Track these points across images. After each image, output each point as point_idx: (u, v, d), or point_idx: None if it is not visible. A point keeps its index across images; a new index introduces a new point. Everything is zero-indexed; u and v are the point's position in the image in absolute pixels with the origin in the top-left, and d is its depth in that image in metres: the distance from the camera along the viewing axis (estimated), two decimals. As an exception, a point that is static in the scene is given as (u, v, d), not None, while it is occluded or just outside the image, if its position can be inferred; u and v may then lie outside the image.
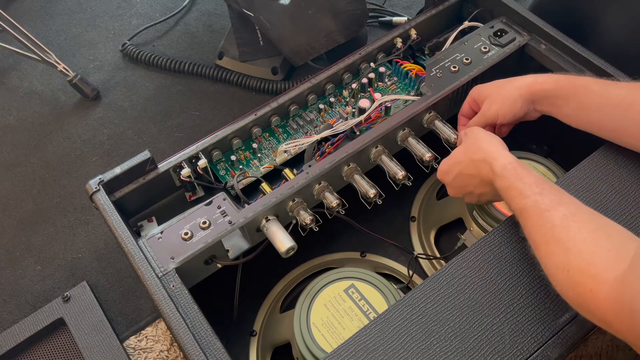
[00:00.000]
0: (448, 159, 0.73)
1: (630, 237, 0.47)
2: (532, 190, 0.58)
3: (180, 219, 0.74)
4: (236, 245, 0.78)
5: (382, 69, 0.92)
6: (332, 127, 0.85)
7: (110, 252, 1.02)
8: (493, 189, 0.65)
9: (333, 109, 0.92)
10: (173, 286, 0.69)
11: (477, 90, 0.78)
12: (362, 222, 0.89)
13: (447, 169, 0.72)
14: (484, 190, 0.68)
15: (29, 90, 1.31)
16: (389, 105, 0.87)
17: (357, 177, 0.80)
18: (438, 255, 0.92)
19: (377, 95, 0.89)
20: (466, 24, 0.95)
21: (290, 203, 0.76)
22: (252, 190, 0.83)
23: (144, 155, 0.79)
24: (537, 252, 0.56)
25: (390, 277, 0.90)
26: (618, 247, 0.45)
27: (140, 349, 0.88)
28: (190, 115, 1.22)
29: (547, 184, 0.59)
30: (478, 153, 0.67)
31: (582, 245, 0.48)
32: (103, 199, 0.76)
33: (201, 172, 0.83)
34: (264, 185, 0.80)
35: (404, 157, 0.84)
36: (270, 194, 0.76)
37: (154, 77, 1.30)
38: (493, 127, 0.78)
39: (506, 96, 0.74)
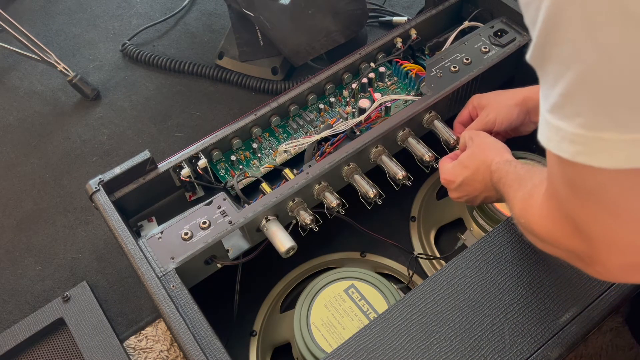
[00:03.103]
0: (455, 165, 0.73)
1: None
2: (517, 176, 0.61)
3: (180, 219, 0.74)
4: (236, 245, 0.78)
5: (382, 69, 0.92)
6: (332, 127, 0.85)
7: (110, 252, 1.02)
8: (497, 191, 0.65)
9: (333, 109, 0.92)
10: (173, 286, 0.69)
11: (477, 99, 0.81)
12: (362, 222, 0.89)
13: (453, 175, 0.72)
14: (489, 194, 0.69)
15: (29, 90, 1.31)
16: (389, 105, 0.87)
17: (357, 177, 0.80)
18: (438, 255, 0.92)
19: (377, 95, 0.89)
20: (466, 24, 0.95)
21: (290, 203, 0.76)
22: (252, 190, 0.83)
23: (144, 155, 0.79)
24: (508, 204, 0.60)
25: (390, 277, 0.90)
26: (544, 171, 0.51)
27: (140, 349, 0.88)
28: (190, 115, 1.22)
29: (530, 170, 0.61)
30: (485, 160, 0.68)
31: (529, 180, 0.56)
32: (103, 199, 0.76)
33: (201, 172, 0.83)
34: (264, 185, 0.80)
35: (404, 157, 0.84)
36: (270, 194, 0.76)
37: (154, 77, 1.30)
38: (489, 134, 0.78)
39: (504, 104, 0.77)
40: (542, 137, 0.40)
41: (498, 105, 0.77)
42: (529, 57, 0.41)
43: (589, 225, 0.43)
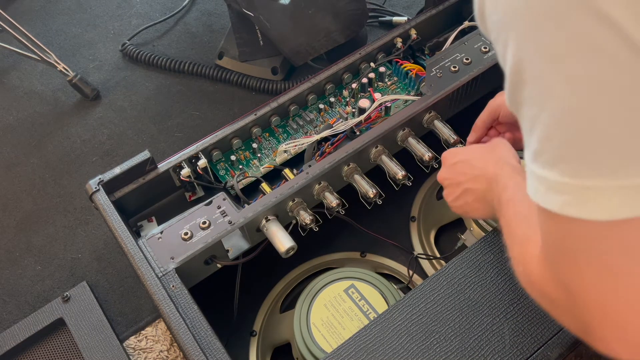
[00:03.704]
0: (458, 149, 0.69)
1: None
2: (513, 186, 0.58)
3: (180, 219, 0.74)
4: (236, 245, 0.78)
5: (382, 69, 0.92)
6: (332, 127, 0.85)
7: (110, 252, 1.02)
8: (492, 205, 0.62)
9: (333, 109, 0.92)
10: (173, 286, 0.69)
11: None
12: (362, 222, 0.89)
13: (452, 154, 0.69)
14: (479, 194, 0.64)
15: (29, 90, 1.31)
16: (389, 105, 0.87)
17: (357, 177, 0.80)
18: (438, 255, 0.92)
19: (377, 95, 0.89)
20: (466, 23, 0.95)
21: (290, 203, 0.76)
22: (252, 190, 0.83)
23: (144, 155, 0.79)
24: (505, 238, 0.55)
25: (390, 277, 0.90)
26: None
27: (140, 349, 0.88)
28: (190, 115, 1.22)
29: (513, 179, 0.58)
30: (491, 158, 0.64)
31: (519, 230, 0.51)
32: (103, 199, 0.76)
33: (201, 172, 0.83)
34: (264, 185, 0.80)
35: (404, 157, 0.84)
36: (270, 194, 0.76)
37: (154, 77, 1.30)
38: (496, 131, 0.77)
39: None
40: (530, 190, 0.36)
41: (502, 94, 0.73)
42: (506, 102, 0.38)
43: (583, 292, 0.37)
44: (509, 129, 0.75)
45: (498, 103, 0.73)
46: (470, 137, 0.77)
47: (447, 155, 0.69)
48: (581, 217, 0.33)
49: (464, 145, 0.80)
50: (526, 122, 0.35)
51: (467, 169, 0.65)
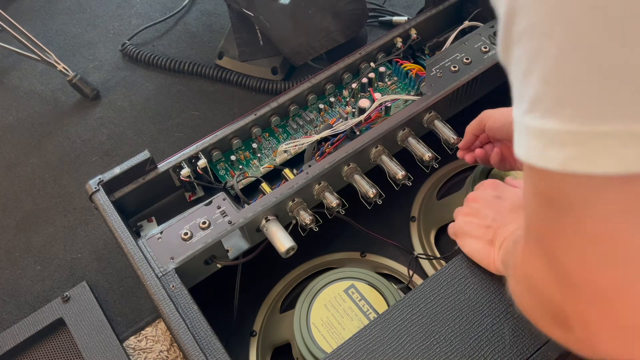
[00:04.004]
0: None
1: None
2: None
3: (180, 219, 0.74)
4: (236, 245, 0.78)
5: (382, 69, 0.92)
6: (332, 127, 0.85)
7: (110, 252, 1.02)
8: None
9: (333, 109, 0.92)
10: (173, 286, 0.69)
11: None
12: (362, 222, 0.89)
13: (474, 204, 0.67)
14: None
15: (28, 90, 1.31)
16: (389, 105, 0.87)
17: (357, 177, 0.80)
18: (438, 255, 0.92)
19: (377, 95, 0.89)
20: (466, 23, 0.95)
21: (290, 203, 0.76)
22: (252, 190, 0.83)
23: (144, 155, 0.79)
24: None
25: (390, 277, 0.89)
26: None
27: (140, 349, 0.88)
28: (190, 115, 1.22)
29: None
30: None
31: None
32: (103, 199, 0.76)
33: (201, 172, 0.83)
34: (264, 185, 0.80)
35: (404, 157, 0.83)
36: (270, 194, 0.76)
37: (154, 77, 1.30)
38: (483, 142, 0.77)
39: (504, 108, 0.73)
40: (521, 150, 0.31)
41: (498, 109, 0.74)
42: (499, 55, 0.33)
43: (573, 266, 0.31)
44: (502, 145, 0.75)
45: (488, 114, 0.73)
46: (461, 143, 0.78)
47: (498, 184, 0.67)
48: (588, 171, 0.27)
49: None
50: (520, 67, 0.30)
51: (500, 209, 0.63)
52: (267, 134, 0.89)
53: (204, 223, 0.73)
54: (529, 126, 0.29)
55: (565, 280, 0.32)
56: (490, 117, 0.73)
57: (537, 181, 0.31)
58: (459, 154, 0.79)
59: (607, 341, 0.32)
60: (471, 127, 0.76)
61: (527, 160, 0.30)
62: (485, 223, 0.63)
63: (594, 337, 0.32)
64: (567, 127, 0.27)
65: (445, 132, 0.83)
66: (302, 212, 0.76)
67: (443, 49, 0.92)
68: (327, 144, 0.83)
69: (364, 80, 0.91)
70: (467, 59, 0.87)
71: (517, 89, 0.31)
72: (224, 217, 0.74)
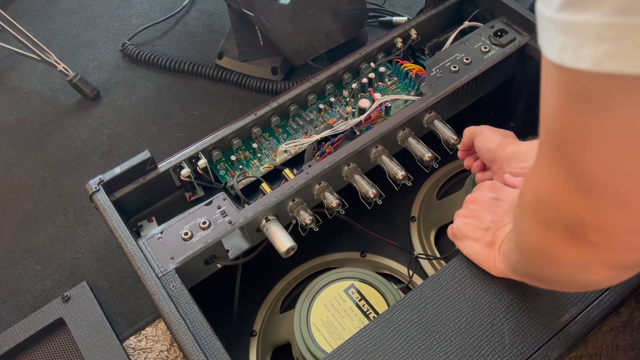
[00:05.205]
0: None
1: None
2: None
3: (180, 219, 0.74)
4: (236, 245, 0.78)
5: (382, 69, 0.92)
6: (332, 127, 0.85)
7: (110, 252, 1.02)
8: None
9: (333, 109, 0.92)
10: (173, 286, 0.69)
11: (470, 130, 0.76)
12: (362, 222, 0.89)
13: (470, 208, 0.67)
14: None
15: (28, 90, 1.31)
16: (389, 105, 0.87)
17: (357, 177, 0.80)
18: (438, 255, 0.92)
19: (377, 95, 0.89)
20: (466, 24, 0.95)
21: (290, 203, 0.76)
22: (252, 190, 0.83)
23: (144, 155, 0.79)
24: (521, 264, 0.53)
25: (390, 277, 0.90)
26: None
27: (140, 349, 0.88)
28: (190, 115, 1.22)
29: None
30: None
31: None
32: (103, 199, 0.76)
33: (201, 172, 0.83)
34: (264, 185, 0.80)
35: (404, 157, 0.84)
36: (270, 194, 0.76)
37: (154, 77, 1.30)
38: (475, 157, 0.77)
39: (496, 132, 0.73)
40: (552, 51, 0.29)
41: (492, 129, 0.74)
42: None
43: (594, 172, 0.31)
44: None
45: (480, 131, 0.73)
46: (460, 144, 0.79)
47: (496, 185, 0.67)
48: (624, 70, 0.26)
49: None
50: None
51: (498, 211, 0.64)
52: (267, 134, 0.89)
53: (204, 223, 0.73)
54: (564, 22, 0.28)
55: (587, 187, 0.32)
56: (480, 134, 0.73)
57: (567, 82, 0.30)
58: (459, 154, 0.80)
59: (626, 247, 0.32)
60: (464, 138, 0.77)
61: (560, 61, 0.29)
62: (484, 225, 0.63)
63: (614, 243, 0.32)
64: (608, 19, 0.25)
65: (445, 132, 0.83)
66: (302, 212, 0.76)
67: (443, 49, 0.92)
68: (327, 144, 0.83)
69: (364, 80, 0.91)
70: (467, 59, 0.87)
71: None
72: (224, 217, 0.74)
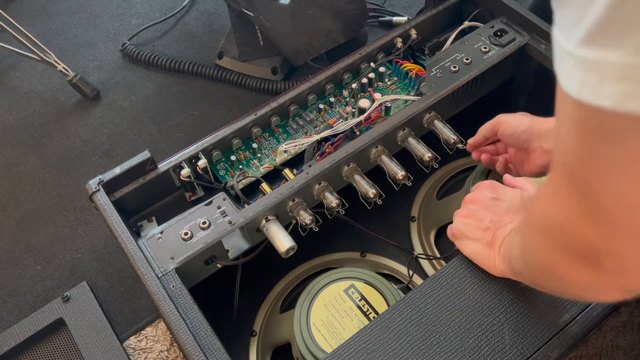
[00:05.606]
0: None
1: None
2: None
3: (180, 219, 0.74)
4: (236, 245, 0.78)
5: (382, 69, 0.92)
6: (332, 127, 0.85)
7: (110, 252, 1.02)
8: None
9: (333, 109, 0.92)
10: (173, 286, 0.69)
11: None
12: (362, 222, 0.89)
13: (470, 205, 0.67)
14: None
15: (28, 90, 1.31)
16: (389, 105, 0.87)
17: (357, 177, 0.80)
18: (438, 255, 0.92)
19: (377, 95, 0.89)
20: (466, 24, 0.95)
21: (290, 203, 0.76)
22: (252, 190, 0.83)
23: (144, 155, 0.79)
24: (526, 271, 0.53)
25: (390, 277, 0.90)
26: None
27: (140, 349, 0.88)
28: (190, 115, 1.22)
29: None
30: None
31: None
32: (103, 199, 0.76)
33: (201, 172, 0.83)
34: (264, 185, 0.80)
35: (404, 157, 0.84)
36: (270, 194, 0.76)
37: (154, 77, 1.30)
38: (496, 151, 0.77)
39: (516, 115, 0.73)
40: (571, 85, 0.29)
41: (513, 114, 0.74)
42: None
43: (615, 205, 0.32)
44: (510, 149, 0.76)
45: (501, 120, 0.73)
46: (471, 139, 0.79)
47: (495, 185, 0.66)
48: None
49: (465, 145, 0.80)
50: None
51: (498, 211, 0.63)
52: (267, 134, 0.89)
53: (204, 223, 0.73)
54: (585, 58, 0.27)
55: (602, 217, 0.32)
56: (503, 122, 0.73)
57: (586, 118, 0.30)
58: (469, 147, 0.80)
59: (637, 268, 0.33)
60: (484, 130, 0.76)
61: (578, 97, 0.29)
62: (483, 225, 0.63)
63: (628, 271, 0.33)
64: (631, 60, 0.25)
65: (445, 132, 0.83)
66: (302, 212, 0.76)
67: (443, 49, 0.92)
68: (327, 144, 0.83)
69: (364, 80, 0.91)
70: (467, 59, 0.87)
71: (570, 14, 0.28)
72: (224, 217, 0.74)
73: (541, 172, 0.71)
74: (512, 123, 0.72)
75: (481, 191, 0.66)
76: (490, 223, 0.63)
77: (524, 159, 0.73)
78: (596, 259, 0.34)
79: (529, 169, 0.72)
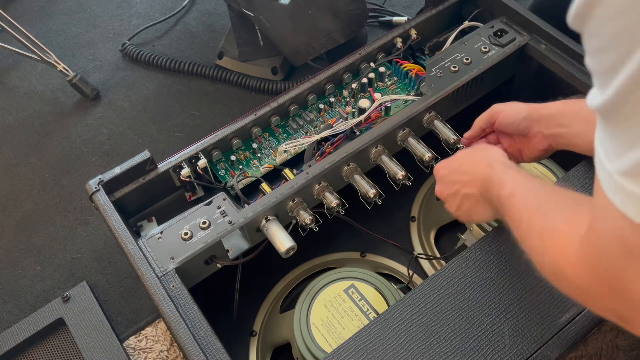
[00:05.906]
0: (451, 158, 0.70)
1: (585, 199, 0.49)
2: (510, 181, 0.57)
3: (180, 219, 0.74)
4: (236, 245, 0.78)
5: (382, 69, 0.92)
6: (332, 127, 0.85)
7: (110, 252, 1.02)
8: (490, 197, 0.62)
9: (333, 109, 0.92)
10: (173, 286, 0.69)
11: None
12: (362, 222, 0.89)
13: (445, 163, 0.70)
14: (472, 190, 0.65)
15: (28, 90, 1.31)
16: (389, 105, 0.87)
17: (357, 177, 0.80)
18: (438, 255, 0.92)
19: (377, 95, 0.89)
20: (466, 24, 0.95)
21: (290, 203, 0.76)
22: (252, 190, 0.83)
23: (144, 155, 0.79)
24: (517, 232, 0.54)
25: (390, 277, 0.90)
26: (577, 211, 0.46)
27: (140, 349, 0.88)
28: (190, 115, 1.22)
29: (523, 177, 0.58)
30: (483, 152, 0.66)
31: (551, 214, 0.49)
32: (103, 199, 0.76)
33: (201, 172, 0.83)
34: (264, 185, 0.80)
35: (404, 157, 0.84)
36: (270, 194, 0.76)
37: (154, 77, 1.30)
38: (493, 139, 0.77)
39: (514, 103, 0.73)
40: (616, 200, 0.33)
41: (508, 103, 0.74)
42: (594, 104, 0.34)
43: (637, 295, 0.36)
44: (505, 139, 0.76)
45: (498, 109, 0.73)
46: (467, 133, 0.78)
47: (438, 169, 0.70)
48: None
49: (464, 146, 0.80)
50: (625, 135, 0.32)
51: (458, 177, 0.66)
52: (267, 134, 0.89)
53: (204, 223, 0.73)
54: (626, 189, 0.32)
55: (627, 299, 0.36)
56: (501, 112, 0.73)
57: (629, 231, 0.34)
58: (465, 142, 0.79)
59: None
60: (480, 121, 0.76)
61: (624, 211, 0.33)
62: (464, 179, 0.64)
63: None
64: None
65: (445, 132, 0.83)
66: (302, 212, 0.76)
67: (443, 49, 0.92)
68: (327, 144, 0.83)
69: (364, 80, 0.91)
70: (467, 59, 0.87)
71: (612, 147, 0.32)
72: (224, 217, 0.74)
73: (541, 156, 0.73)
74: (511, 112, 0.72)
75: (437, 182, 0.69)
76: (462, 188, 0.64)
77: (522, 146, 0.74)
78: (620, 318, 0.39)
79: (530, 154, 0.73)
